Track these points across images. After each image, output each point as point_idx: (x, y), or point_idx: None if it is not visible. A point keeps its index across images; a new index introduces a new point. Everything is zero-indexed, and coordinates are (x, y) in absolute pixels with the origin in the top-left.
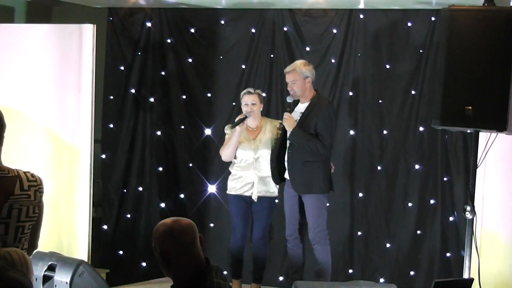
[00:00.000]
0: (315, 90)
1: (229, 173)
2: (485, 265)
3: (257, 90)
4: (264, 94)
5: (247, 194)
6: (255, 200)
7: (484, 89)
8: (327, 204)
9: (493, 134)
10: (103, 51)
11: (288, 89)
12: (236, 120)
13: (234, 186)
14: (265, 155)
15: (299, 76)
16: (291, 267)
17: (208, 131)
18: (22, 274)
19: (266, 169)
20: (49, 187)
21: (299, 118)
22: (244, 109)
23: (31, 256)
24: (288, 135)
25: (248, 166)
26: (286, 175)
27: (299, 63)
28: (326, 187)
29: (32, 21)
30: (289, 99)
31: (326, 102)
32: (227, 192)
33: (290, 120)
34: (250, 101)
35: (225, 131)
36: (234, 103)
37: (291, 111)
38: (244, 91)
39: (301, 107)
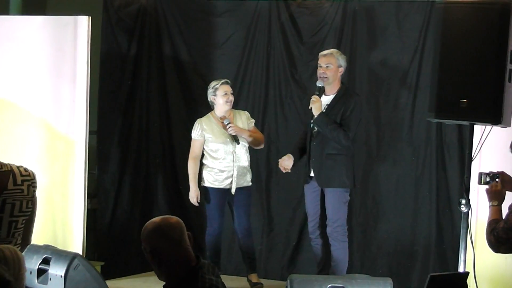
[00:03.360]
0: (341, 83)
1: None
2: (481, 258)
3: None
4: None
5: (229, 187)
6: (233, 193)
7: (479, 82)
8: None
9: (488, 127)
10: (98, 43)
11: (320, 72)
12: (232, 133)
13: (217, 179)
14: (242, 145)
15: (334, 61)
16: (317, 265)
17: None
18: (6, 270)
19: (244, 159)
20: (44, 178)
21: (324, 109)
22: (223, 99)
23: (25, 250)
24: (313, 120)
25: (229, 159)
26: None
27: (336, 50)
28: (349, 182)
29: (27, 12)
30: (319, 83)
31: (355, 95)
32: (205, 185)
33: (319, 103)
34: (229, 90)
35: (196, 135)
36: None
37: (320, 96)
38: (219, 81)
39: (326, 99)
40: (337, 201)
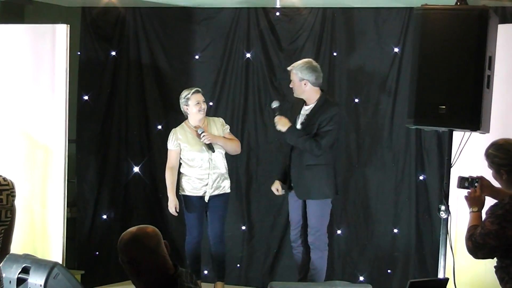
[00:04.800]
0: (321, 91)
1: None
2: (460, 264)
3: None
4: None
5: (205, 194)
6: (206, 200)
7: (457, 88)
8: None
9: (467, 133)
10: (77, 51)
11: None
12: (206, 142)
13: (194, 187)
14: (218, 152)
15: (295, 77)
16: (298, 272)
17: None
18: None
19: (221, 166)
20: (23, 187)
21: (304, 120)
22: (196, 108)
23: (5, 259)
24: (284, 136)
25: (206, 167)
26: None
27: (299, 63)
28: (330, 192)
29: (5, 21)
30: (273, 104)
31: (333, 104)
32: (184, 193)
33: (282, 120)
34: (201, 99)
35: (171, 146)
36: (211, 103)
37: (280, 115)
38: (190, 90)
39: (306, 109)
40: (319, 211)
